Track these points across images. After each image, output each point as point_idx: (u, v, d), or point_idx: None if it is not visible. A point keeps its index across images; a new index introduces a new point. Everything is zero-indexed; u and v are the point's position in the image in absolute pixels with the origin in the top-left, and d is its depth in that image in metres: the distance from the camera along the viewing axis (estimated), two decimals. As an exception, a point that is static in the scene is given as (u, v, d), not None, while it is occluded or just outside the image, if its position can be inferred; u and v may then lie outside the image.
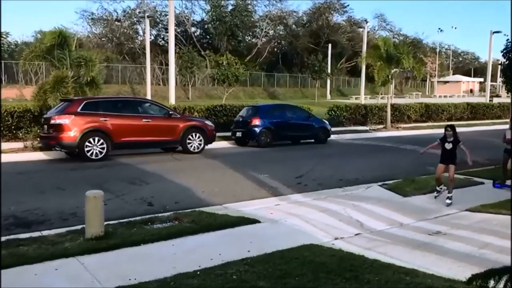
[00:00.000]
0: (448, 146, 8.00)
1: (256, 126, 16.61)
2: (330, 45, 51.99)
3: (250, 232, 6.18)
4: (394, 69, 22.56)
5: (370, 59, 23.53)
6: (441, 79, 71.04)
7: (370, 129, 22.83)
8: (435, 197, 8.29)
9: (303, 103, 27.76)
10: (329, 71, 48.60)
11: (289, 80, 55.55)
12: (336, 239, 6.00)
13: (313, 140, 17.94)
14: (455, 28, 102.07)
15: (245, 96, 45.18)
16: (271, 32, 60.82)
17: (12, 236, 5.96)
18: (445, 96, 53.72)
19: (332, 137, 18.82)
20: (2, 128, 15.43)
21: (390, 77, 22.53)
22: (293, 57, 59.55)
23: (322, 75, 46.62)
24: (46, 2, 67.66)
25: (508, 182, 8.97)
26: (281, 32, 61.58)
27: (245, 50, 56.04)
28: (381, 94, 40.86)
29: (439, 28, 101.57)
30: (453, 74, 77.10)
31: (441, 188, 8.28)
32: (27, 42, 39.14)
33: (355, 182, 9.94)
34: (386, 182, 9.55)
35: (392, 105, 24.36)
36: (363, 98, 37.64)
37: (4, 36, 40.13)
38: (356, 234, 6.26)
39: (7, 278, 4.66)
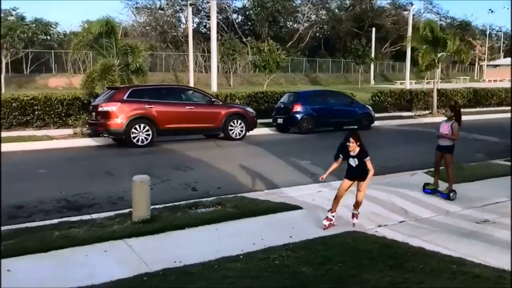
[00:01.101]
0: (353, 162, 5.90)
1: (298, 112, 16.51)
2: (374, 29, 50.78)
3: (292, 218, 6.20)
4: (441, 53, 21.79)
5: (415, 43, 22.83)
6: (491, 62, 68.01)
7: (415, 115, 22.25)
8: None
9: (346, 88, 27.35)
10: (372, 55, 47.55)
11: (331, 66, 54.77)
12: (379, 226, 5.94)
13: (356, 127, 17.65)
14: (507, 8, 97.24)
15: (287, 82, 44.95)
16: (313, 17, 60.03)
17: (64, 219, 6.24)
18: (494, 81, 51.42)
19: (376, 123, 18.47)
20: (52, 116, 16.09)
21: (436, 61, 21.81)
22: (335, 42, 58.62)
23: (365, 60, 45.64)
24: (92, -8, 69.45)
25: (440, 188, 7.48)
26: (323, 17, 60.66)
27: (287, 36, 55.61)
28: (427, 79, 39.66)
29: (489, 9, 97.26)
30: (504, 57, 73.58)
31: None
32: (75, 32, 40.34)
33: (399, 169, 9.75)
34: (432, 169, 9.30)
35: (438, 90, 23.60)
36: (408, 83, 36.65)
37: (54, 27, 41.61)
38: (400, 222, 6.16)
39: (61, 258, 4.90)
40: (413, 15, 42.77)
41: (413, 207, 6.82)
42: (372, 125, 18.08)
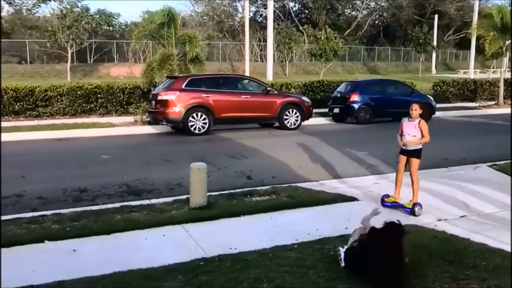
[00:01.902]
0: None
1: (355, 102, 16.20)
2: (436, 16, 48.66)
3: (347, 209, 6.12)
4: (510, 41, 20.60)
5: (481, 30, 21.70)
6: None
7: (479, 106, 21.22)
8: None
9: (406, 78, 26.48)
10: (435, 43, 45.65)
11: (390, 54, 53.17)
12: (439, 220, 5.75)
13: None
14: None
15: (344, 71, 44.13)
16: (372, 4, 58.39)
17: (125, 203, 6.49)
18: None
19: (437, 114, 17.79)
20: (114, 104, 16.73)
21: (504, 49, 20.65)
22: (395, 30, 56.78)
23: (427, 48, 43.87)
24: (152, -17, 71.19)
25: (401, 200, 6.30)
26: (383, 4, 58.85)
27: (345, 24, 54.47)
28: (493, 68, 37.64)
29: None
30: None
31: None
32: (136, 23, 41.57)
33: (461, 162, 9.37)
34: (496, 163, 8.85)
35: (506, 80, 22.34)
36: (472, 73, 34.95)
37: (116, 17, 43.08)
38: (461, 216, 5.93)
39: (122, 240, 5.12)
40: (480, 0, 40.60)
41: (476, 201, 6.54)
42: (433, 115, 17.44)
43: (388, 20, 58.93)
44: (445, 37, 56.05)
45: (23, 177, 8.36)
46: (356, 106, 16.12)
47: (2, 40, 38.25)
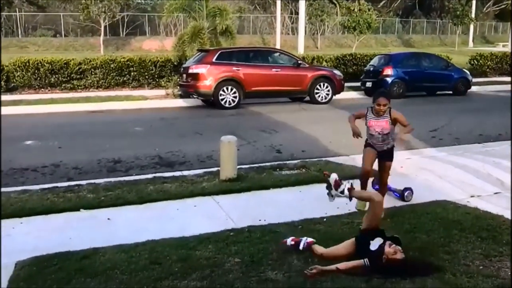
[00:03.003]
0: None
1: (388, 76, 15.89)
2: (476, -14, 46.70)
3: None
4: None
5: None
6: None
7: (518, 80, 20.47)
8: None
9: (442, 51, 25.71)
10: (473, 15, 43.94)
11: (426, 27, 51.52)
12: (472, 196, 5.64)
13: (451, 92, 16.69)
14: None
15: (377, 44, 43.12)
16: (408, -26, 56.40)
17: (157, 174, 6.64)
18: None
19: (473, 88, 17.29)
20: (146, 77, 16.90)
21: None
22: (431, 1, 54.83)
23: (464, 20, 42.26)
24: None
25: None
26: (420, -26, 56.78)
27: (379, -5, 52.94)
28: (535, 40, 36.03)
29: None
30: None
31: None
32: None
33: (497, 138, 9.12)
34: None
35: (548, 53, 21.42)
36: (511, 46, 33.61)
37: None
38: (495, 193, 5.81)
39: (155, 210, 5.25)
40: (523, -31, 38.64)
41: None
42: (469, 90, 16.95)
43: (425, -9, 56.89)
44: (484, 9, 53.79)
45: (60, 147, 8.63)
46: (389, 80, 15.81)
47: (38, 13, 38.98)
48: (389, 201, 5.30)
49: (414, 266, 3.62)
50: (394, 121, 4.95)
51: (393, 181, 6.14)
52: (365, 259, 3.59)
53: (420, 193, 5.65)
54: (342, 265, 3.58)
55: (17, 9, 37.51)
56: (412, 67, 16.35)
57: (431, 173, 6.65)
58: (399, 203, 5.39)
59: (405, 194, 5.54)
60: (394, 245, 3.64)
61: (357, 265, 3.58)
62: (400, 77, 15.89)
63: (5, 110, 13.04)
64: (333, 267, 3.57)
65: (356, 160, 7.45)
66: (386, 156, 5.10)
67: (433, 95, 16.66)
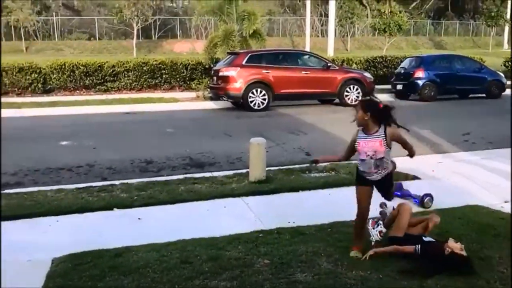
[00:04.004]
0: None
1: (419, 78, 15.67)
2: (512, -14, 45.44)
3: (408, 188, 6.00)
4: None
5: None
6: None
7: (557, 83, 19.83)
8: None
9: (475, 53, 25.12)
10: (508, 16, 42.77)
11: (458, 28, 50.44)
12: (506, 202, 5.51)
13: (484, 95, 16.31)
14: None
15: (408, 46, 42.48)
16: (441, -25, 55.36)
17: (188, 175, 6.74)
18: None
19: (508, 91, 16.84)
20: (178, 79, 17.16)
21: None
22: (465, 2, 53.68)
23: (499, 22, 41.22)
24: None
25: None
26: (453, -25, 55.67)
27: (410, -3, 52.14)
28: None
29: None
30: None
31: None
32: (198, -1, 41.91)
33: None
34: None
35: None
36: (550, 47, 32.56)
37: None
38: (531, 199, 5.66)
39: (185, 210, 5.34)
40: None
41: (548, 184, 6.20)
42: (503, 93, 16.53)
43: (458, -9, 55.73)
44: (521, 9, 52.27)
45: (95, 148, 8.86)
46: (420, 82, 15.60)
47: (74, 17, 40.03)
48: (414, 206, 5.22)
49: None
50: (390, 141, 4.01)
51: (424, 184, 6.08)
52: (417, 246, 3.78)
53: (451, 197, 5.57)
54: (393, 248, 3.89)
55: (54, 13, 38.62)
56: (444, 69, 16.08)
57: (463, 176, 6.54)
58: (432, 207, 5.31)
59: (425, 200, 5.36)
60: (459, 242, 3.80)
61: (408, 250, 3.81)
62: (431, 80, 15.65)
63: (42, 111, 13.51)
64: (389, 248, 3.90)
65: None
66: (385, 187, 4.16)
67: (466, 98, 16.32)
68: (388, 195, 4.28)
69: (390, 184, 4.20)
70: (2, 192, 5.97)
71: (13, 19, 32.05)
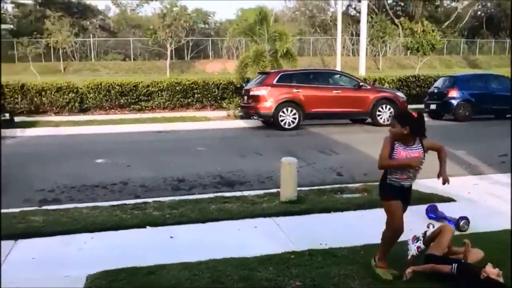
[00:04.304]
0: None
1: (453, 98, 15.41)
2: (550, 4, 44.47)
3: (443, 210, 5.87)
4: None
5: None
6: None
7: None
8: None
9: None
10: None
11: (494, 47, 49.46)
12: (547, 227, 5.32)
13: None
14: None
15: (441, 65, 41.89)
16: (475, -7, 54.67)
17: (219, 194, 6.78)
18: None
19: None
20: (209, 98, 17.41)
21: None
22: (500, 20, 52.71)
23: (537, 40, 40.27)
24: (246, -20, 72.62)
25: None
26: (487, -7, 54.92)
27: (443, 16, 51.63)
28: None
29: None
30: None
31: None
32: (230, 20, 42.62)
33: None
34: None
35: None
36: None
37: (211, 16, 44.61)
38: None
39: (216, 229, 5.36)
40: None
41: None
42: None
43: (492, 10, 54.87)
44: (560, 27, 50.92)
45: (128, 166, 9.05)
46: (454, 102, 15.33)
47: (110, 38, 41.31)
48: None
49: None
50: (426, 152, 4.03)
51: (459, 207, 5.93)
52: (453, 265, 3.74)
53: (488, 220, 5.40)
54: (430, 267, 3.85)
55: (91, 35, 39.99)
56: (479, 88, 15.76)
57: (500, 199, 6.34)
58: (465, 231, 5.17)
59: (461, 223, 5.19)
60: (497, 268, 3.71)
61: (445, 270, 3.76)
62: (466, 99, 15.36)
63: (79, 130, 13.92)
64: (427, 266, 3.87)
65: (420, 184, 7.23)
66: (409, 193, 4.18)
67: (503, 118, 15.91)
68: (409, 201, 4.26)
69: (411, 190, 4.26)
70: (41, 208, 6.17)
71: (52, 41, 33.31)
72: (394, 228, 4.03)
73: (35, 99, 16.27)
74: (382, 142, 4.05)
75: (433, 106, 16.01)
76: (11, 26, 39.34)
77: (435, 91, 16.37)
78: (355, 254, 4.48)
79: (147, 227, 5.41)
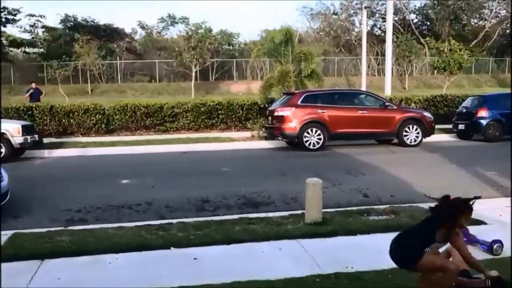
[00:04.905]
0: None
1: (483, 118, 15.08)
2: None
3: (474, 234, 5.68)
4: None
5: None
6: None
7: None
8: None
9: (543, 91, 23.95)
10: None
11: (524, 65, 48.49)
12: None
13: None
14: None
15: (469, 84, 41.23)
16: (502, 12, 53.92)
17: (243, 215, 6.73)
18: None
19: None
20: (234, 119, 17.48)
21: None
22: (530, 39, 51.78)
23: None
24: (271, 2, 73.45)
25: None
26: (515, 11, 54.10)
27: (470, 35, 50.99)
28: None
29: None
30: None
31: None
32: (255, 41, 43.04)
33: None
34: None
35: None
36: None
37: (236, 37, 45.15)
38: None
39: (240, 251, 5.30)
40: None
41: None
42: None
43: (522, 28, 53.97)
44: None
45: (153, 186, 9.09)
46: (484, 122, 15.00)
47: (136, 61, 42.20)
48: (478, 254, 4.89)
49: None
50: None
51: (491, 230, 5.73)
52: (487, 280, 3.69)
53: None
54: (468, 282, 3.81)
55: (117, 57, 40.91)
56: (509, 108, 15.38)
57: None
58: (499, 255, 4.98)
59: (494, 247, 5.03)
60: None
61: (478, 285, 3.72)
62: (495, 119, 15.01)
63: (105, 150, 14.14)
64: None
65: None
66: None
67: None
68: None
69: None
70: (67, 228, 6.23)
71: (80, 63, 34.21)
72: (452, 269, 3.69)
73: (63, 120, 16.64)
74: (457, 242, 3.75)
75: (461, 126, 15.70)
76: (41, 50, 40.69)
77: (464, 110, 16.08)
78: (382, 278, 4.36)
79: (171, 248, 5.39)
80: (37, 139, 13.53)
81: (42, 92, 21.76)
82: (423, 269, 3.74)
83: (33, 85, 21.50)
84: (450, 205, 3.73)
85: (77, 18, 42.45)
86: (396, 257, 3.83)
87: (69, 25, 42.51)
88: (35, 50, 42.35)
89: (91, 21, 42.54)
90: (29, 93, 20.85)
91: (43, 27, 42.77)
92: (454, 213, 3.67)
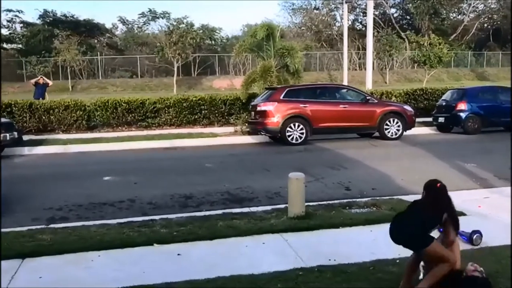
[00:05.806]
0: None
1: (462, 110, 15.30)
2: (556, 16, 44.37)
3: (454, 225, 5.79)
4: None
5: None
6: None
7: None
8: None
9: (520, 84, 24.42)
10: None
11: (502, 59, 49.34)
12: (561, 240, 5.21)
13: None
14: None
15: (449, 78, 41.82)
16: (480, 6, 54.74)
17: (227, 210, 6.75)
18: None
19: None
20: (217, 115, 17.45)
21: None
22: (507, 33, 52.65)
23: (544, 51, 40.14)
24: (252, -3, 73.34)
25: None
26: (492, 6, 54.96)
27: (450, 29, 51.69)
28: None
29: None
30: None
31: None
32: (237, 36, 42.93)
33: None
34: None
35: None
36: None
37: (218, 32, 44.98)
38: None
39: (224, 247, 5.31)
40: None
41: None
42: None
43: (499, 22, 54.85)
44: None
45: (136, 183, 9.04)
46: (463, 115, 15.22)
47: (117, 56, 41.75)
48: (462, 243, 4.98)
49: None
50: None
51: (470, 221, 5.83)
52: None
53: (500, 234, 5.30)
54: None
55: (98, 53, 40.43)
56: (488, 101, 15.65)
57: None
58: (478, 245, 5.08)
59: (474, 237, 5.14)
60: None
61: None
62: (475, 112, 15.25)
63: (86, 147, 13.97)
64: None
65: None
66: None
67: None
68: None
69: None
70: (49, 226, 6.16)
71: (60, 59, 33.71)
72: (451, 263, 3.84)
73: (43, 117, 16.38)
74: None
75: (441, 119, 15.92)
76: (20, 46, 39.99)
77: (443, 104, 16.29)
78: (365, 271, 4.41)
79: (155, 244, 5.37)
80: (16, 136, 13.29)
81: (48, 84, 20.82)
82: (429, 254, 3.79)
83: (40, 80, 20.47)
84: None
85: (56, 14, 41.89)
86: (403, 236, 3.94)
87: (48, 21, 41.85)
88: (13, 46, 41.61)
89: (71, 17, 42.00)
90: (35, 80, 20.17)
91: (21, 22, 42.04)
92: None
